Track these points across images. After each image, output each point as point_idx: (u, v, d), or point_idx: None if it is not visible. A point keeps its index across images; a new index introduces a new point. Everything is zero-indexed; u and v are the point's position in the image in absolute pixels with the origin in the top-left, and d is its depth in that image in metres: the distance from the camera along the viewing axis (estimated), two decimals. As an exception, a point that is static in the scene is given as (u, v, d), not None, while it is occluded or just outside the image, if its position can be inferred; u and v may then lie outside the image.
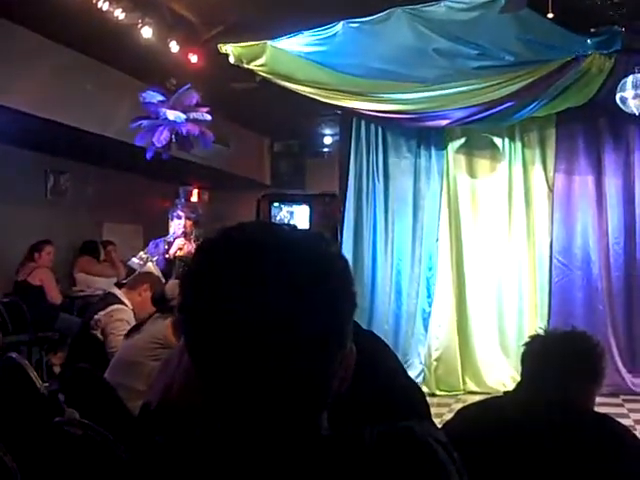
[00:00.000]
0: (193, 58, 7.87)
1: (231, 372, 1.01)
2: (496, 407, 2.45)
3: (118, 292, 6.50)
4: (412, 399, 1.56)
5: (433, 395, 9.25)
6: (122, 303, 6.26)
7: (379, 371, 1.50)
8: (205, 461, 1.04)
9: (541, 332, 2.52)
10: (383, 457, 1.04)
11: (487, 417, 2.38)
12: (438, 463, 1.06)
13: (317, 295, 1.02)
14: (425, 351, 9.55)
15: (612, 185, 9.50)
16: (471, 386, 9.40)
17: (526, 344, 2.48)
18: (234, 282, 1.01)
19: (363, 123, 9.89)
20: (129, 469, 1.08)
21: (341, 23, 7.63)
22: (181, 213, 11.74)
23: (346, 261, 1.11)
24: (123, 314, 6.15)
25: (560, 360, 2.35)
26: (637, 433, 6.97)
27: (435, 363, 9.46)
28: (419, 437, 1.09)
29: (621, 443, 2.21)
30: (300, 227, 1.19)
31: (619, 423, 2.36)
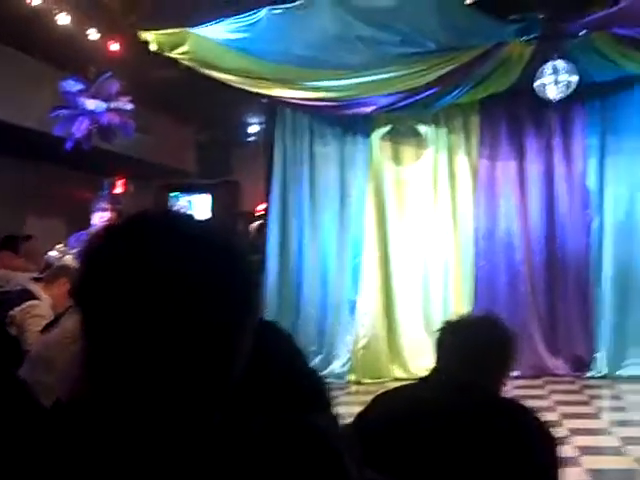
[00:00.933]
0: (113, 46, 7.73)
1: (126, 356, 1.00)
2: (410, 393, 2.47)
3: (35, 287, 6.32)
4: (314, 386, 1.54)
5: (359, 383, 9.29)
6: (38, 298, 6.09)
7: (280, 358, 1.48)
8: (84, 451, 1.00)
9: (454, 318, 2.54)
10: (269, 447, 1.01)
11: (402, 403, 2.39)
12: (330, 454, 1.03)
13: (208, 287, 1.01)
14: (352, 339, 9.56)
15: (534, 170, 9.68)
16: (398, 373, 9.43)
17: (440, 330, 2.50)
18: (127, 269, 1.00)
19: (288, 111, 9.83)
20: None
21: (264, 9, 7.58)
22: (105, 205, 11.51)
23: (242, 253, 1.10)
24: (39, 310, 5.97)
25: (472, 346, 2.39)
26: (556, 414, 7.21)
27: (362, 351, 9.49)
28: (310, 428, 1.07)
29: (528, 430, 2.26)
30: (199, 217, 1.17)
31: (527, 410, 2.39)
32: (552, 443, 2.29)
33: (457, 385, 2.29)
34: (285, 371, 1.44)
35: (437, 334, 2.50)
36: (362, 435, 1.77)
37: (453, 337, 2.43)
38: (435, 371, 2.42)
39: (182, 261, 1.00)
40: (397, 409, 2.36)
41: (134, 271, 0.99)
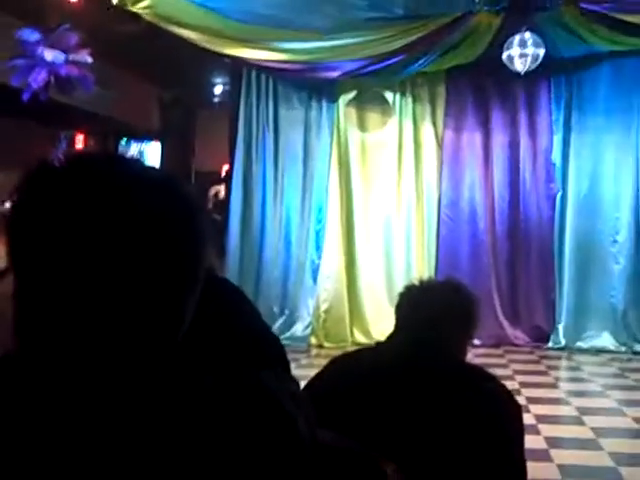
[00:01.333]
0: (71, -4, 7.48)
1: (63, 300, 0.94)
2: (369, 355, 2.41)
3: None
4: (274, 348, 1.48)
5: (321, 347, 9.32)
6: None
7: (241, 315, 1.42)
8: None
9: (416, 282, 2.47)
10: (219, 405, 0.96)
11: (359, 365, 2.33)
12: (282, 413, 0.99)
13: (145, 219, 0.96)
14: (314, 303, 9.55)
15: (499, 142, 9.68)
16: (359, 338, 9.45)
17: (401, 294, 2.44)
18: (58, 205, 0.95)
19: (254, 73, 9.67)
20: None
21: (229, -34, 7.40)
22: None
23: (186, 192, 1.03)
24: None
25: (432, 308, 2.32)
26: (515, 382, 7.28)
27: (323, 315, 9.50)
28: (265, 388, 1.02)
29: (494, 396, 2.20)
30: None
31: (491, 376, 2.34)
32: (519, 410, 2.25)
33: (417, 347, 2.23)
34: (247, 329, 1.39)
35: (398, 298, 2.43)
36: (317, 396, 1.70)
37: (414, 300, 2.36)
38: (394, 334, 2.35)
39: (117, 195, 0.95)
40: (353, 370, 2.30)
41: (65, 206, 0.94)
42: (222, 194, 10.81)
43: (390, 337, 2.35)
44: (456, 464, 2.04)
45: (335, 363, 2.41)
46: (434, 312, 2.31)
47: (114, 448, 0.91)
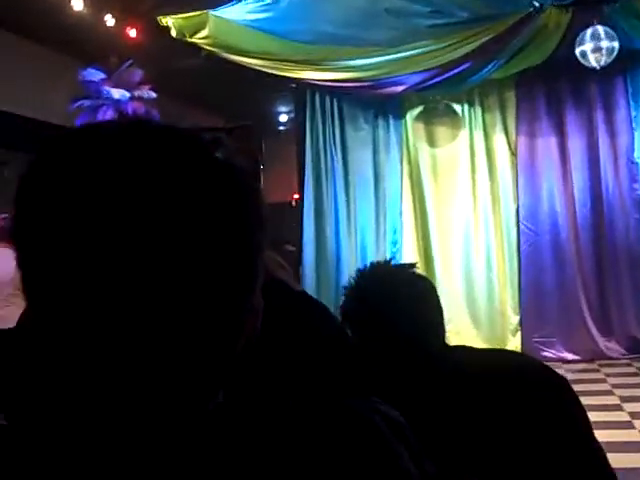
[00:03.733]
0: (132, 32, 7.48)
1: (79, 323, 0.70)
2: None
3: None
4: (358, 365, 1.24)
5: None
6: None
7: (320, 335, 1.18)
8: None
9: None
10: (293, 443, 0.74)
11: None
12: (386, 454, 0.77)
13: (199, 216, 0.72)
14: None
15: (576, 146, 9.30)
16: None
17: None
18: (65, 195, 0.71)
19: (318, 96, 9.57)
20: None
21: (285, -14, 7.30)
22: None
23: (248, 177, 0.79)
24: None
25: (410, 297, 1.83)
26: (615, 397, 6.87)
27: (405, 338, 9.20)
28: (358, 417, 0.80)
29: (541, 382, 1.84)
30: None
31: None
32: (572, 391, 1.84)
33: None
34: (334, 345, 1.16)
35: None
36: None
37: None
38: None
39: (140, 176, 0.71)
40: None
41: (72, 199, 0.70)
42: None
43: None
44: (535, 466, 1.72)
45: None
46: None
47: None
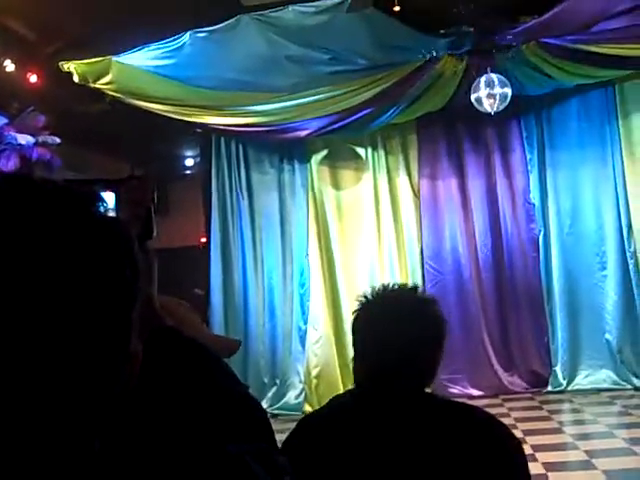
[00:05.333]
0: (32, 78, 7.39)
1: None
2: (338, 404, 2.12)
3: None
4: (251, 409, 1.26)
5: (316, 413, 9.03)
6: None
7: (216, 377, 1.20)
8: None
9: (367, 296, 2.00)
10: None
11: (331, 418, 2.06)
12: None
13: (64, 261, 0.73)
14: (304, 369, 9.31)
15: (476, 186, 9.60)
16: (354, 400, 9.17)
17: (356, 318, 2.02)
18: None
19: (223, 140, 9.63)
20: None
21: (188, 33, 7.35)
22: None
23: (123, 230, 0.81)
24: None
25: (399, 324, 1.91)
26: (519, 431, 7.03)
27: (315, 380, 9.26)
28: (234, 456, 0.84)
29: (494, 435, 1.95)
30: None
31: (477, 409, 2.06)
32: (519, 442, 1.98)
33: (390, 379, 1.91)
34: (223, 393, 1.18)
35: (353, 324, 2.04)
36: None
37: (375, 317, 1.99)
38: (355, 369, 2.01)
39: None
40: (329, 429, 1.98)
41: None
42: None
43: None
44: None
45: (303, 423, 2.10)
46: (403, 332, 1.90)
47: None
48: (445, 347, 1.95)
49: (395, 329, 1.92)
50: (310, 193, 9.61)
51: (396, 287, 2.01)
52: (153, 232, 1.23)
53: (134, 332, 0.81)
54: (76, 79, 7.48)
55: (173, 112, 8.28)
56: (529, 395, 9.12)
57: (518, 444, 1.96)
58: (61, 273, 0.72)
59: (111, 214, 0.83)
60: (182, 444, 0.86)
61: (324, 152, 9.66)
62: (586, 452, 6.55)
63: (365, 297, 2.00)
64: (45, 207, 0.75)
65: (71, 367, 0.73)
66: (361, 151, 9.69)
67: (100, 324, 0.75)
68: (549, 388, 9.18)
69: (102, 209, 0.81)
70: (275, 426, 1.16)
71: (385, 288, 2.01)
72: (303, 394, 9.23)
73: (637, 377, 8.99)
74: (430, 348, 1.94)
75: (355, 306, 2.03)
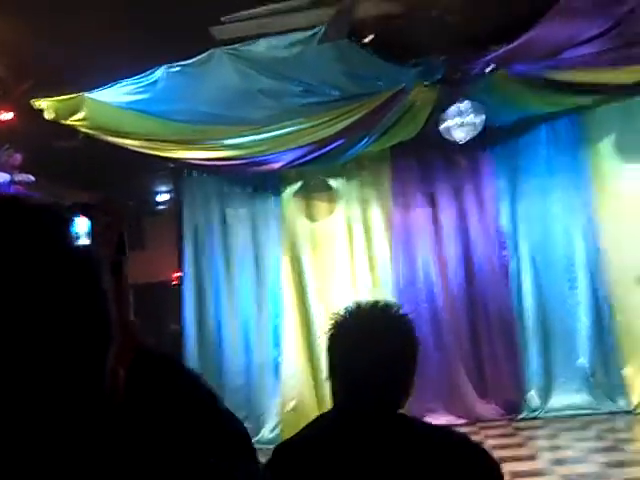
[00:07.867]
0: (6, 116, 7.40)
1: None
2: (315, 427, 2.14)
3: None
4: (234, 429, 1.30)
5: (292, 446, 8.98)
6: None
7: (200, 397, 1.24)
8: None
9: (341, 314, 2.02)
10: None
11: (307, 441, 2.08)
12: None
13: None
14: (280, 402, 9.27)
15: (447, 216, 9.69)
16: (330, 432, 9.14)
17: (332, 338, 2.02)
18: None
19: (196, 175, 9.68)
20: None
21: (161, 68, 7.38)
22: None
23: (88, 254, 0.87)
24: None
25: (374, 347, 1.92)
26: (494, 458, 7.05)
27: (291, 413, 9.20)
28: (218, 468, 0.91)
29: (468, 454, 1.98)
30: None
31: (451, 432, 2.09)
32: (497, 464, 2.00)
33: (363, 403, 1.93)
34: (208, 412, 1.21)
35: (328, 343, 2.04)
36: None
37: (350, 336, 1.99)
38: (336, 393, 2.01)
39: None
40: (306, 456, 2.01)
41: None
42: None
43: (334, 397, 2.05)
44: None
45: (278, 450, 2.11)
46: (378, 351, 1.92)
47: None
48: (418, 365, 1.96)
49: (367, 345, 1.93)
50: (284, 225, 9.66)
51: (369, 305, 2.03)
52: (126, 254, 1.27)
53: (109, 352, 0.85)
54: (48, 116, 7.48)
55: (147, 147, 8.29)
56: (505, 422, 9.15)
57: (495, 463, 1.98)
58: (19, 296, 0.77)
59: (84, 238, 0.86)
60: (166, 456, 0.88)
61: (298, 184, 9.72)
62: (562, 477, 6.59)
63: (338, 315, 2.03)
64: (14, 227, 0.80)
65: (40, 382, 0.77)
66: (334, 183, 9.77)
67: (63, 348, 0.79)
68: (524, 414, 9.22)
69: (73, 232, 0.86)
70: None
71: (358, 305, 2.03)
72: (279, 427, 9.18)
73: (611, 401, 9.05)
74: (403, 364, 1.96)
75: (329, 326, 2.04)
